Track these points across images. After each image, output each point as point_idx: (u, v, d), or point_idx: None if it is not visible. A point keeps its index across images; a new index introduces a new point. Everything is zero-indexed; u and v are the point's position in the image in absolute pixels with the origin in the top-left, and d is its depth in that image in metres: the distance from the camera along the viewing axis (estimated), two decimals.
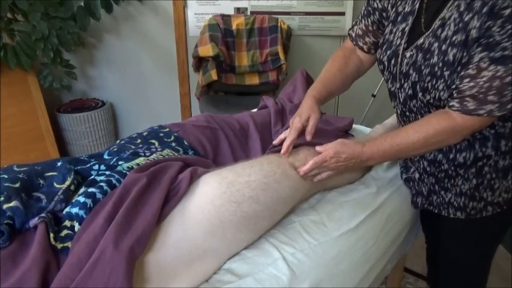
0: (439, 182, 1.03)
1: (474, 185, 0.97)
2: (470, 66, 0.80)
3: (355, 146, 0.95)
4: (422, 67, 0.89)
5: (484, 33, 0.77)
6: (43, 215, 0.76)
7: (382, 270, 1.07)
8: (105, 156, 0.98)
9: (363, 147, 0.94)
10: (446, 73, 0.84)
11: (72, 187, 0.86)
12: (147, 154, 0.99)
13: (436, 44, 0.86)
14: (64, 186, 0.85)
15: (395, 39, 0.97)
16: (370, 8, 1.06)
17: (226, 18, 2.35)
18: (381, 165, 1.23)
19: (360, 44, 1.11)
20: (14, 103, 2.24)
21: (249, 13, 2.46)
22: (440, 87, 0.86)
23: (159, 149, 1.04)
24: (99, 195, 0.82)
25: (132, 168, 0.91)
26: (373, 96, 2.41)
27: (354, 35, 1.13)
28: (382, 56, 1.01)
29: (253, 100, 2.27)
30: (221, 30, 2.30)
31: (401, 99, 0.99)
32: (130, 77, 2.75)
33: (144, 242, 0.74)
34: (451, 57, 0.83)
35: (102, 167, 0.93)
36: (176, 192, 0.84)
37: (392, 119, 1.33)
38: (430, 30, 0.88)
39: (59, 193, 0.83)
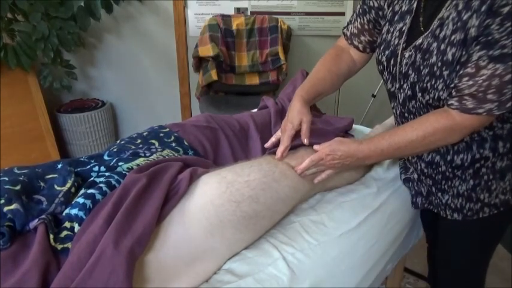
0: (436, 184, 1.03)
1: (471, 186, 0.96)
2: (469, 64, 0.79)
3: (352, 144, 0.95)
4: (421, 67, 0.89)
5: (483, 31, 0.77)
6: (43, 216, 0.76)
7: (382, 270, 1.07)
8: (105, 157, 0.98)
9: (359, 145, 0.94)
10: (445, 73, 0.84)
11: (73, 189, 0.86)
12: (147, 154, 0.99)
13: (434, 44, 0.86)
14: (65, 188, 0.85)
15: (393, 38, 0.96)
16: (365, 7, 1.05)
17: (226, 18, 2.35)
18: (381, 166, 1.23)
19: (355, 43, 1.11)
20: (14, 103, 2.24)
21: (249, 13, 2.46)
22: (440, 87, 0.86)
23: (159, 149, 1.04)
24: (98, 196, 0.82)
25: (132, 168, 0.92)
26: (373, 96, 2.41)
27: (348, 33, 1.12)
28: (380, 56, 1.00)
29: (254, 100, 2.27)
30: (221, 30, 2.31)
31: (400, 100, 0.98)
32: (131, 77, 2.75)
33: (144, 242, 0.74)
34: (450, 56, 0.83)
35: (102, 168, 0.93)
36: (176, 192, 0.84)
37: (392, 119, 1.33)
38: (429, 30, 0.87)
39: (59, 195, 0.83)
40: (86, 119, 2.54)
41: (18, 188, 0.80)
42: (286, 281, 0.82)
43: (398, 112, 1.03)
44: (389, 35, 0.97)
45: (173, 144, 1.09)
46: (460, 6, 0.81)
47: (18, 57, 2.10)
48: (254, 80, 2.45)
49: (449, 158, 0.96)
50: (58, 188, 0.85)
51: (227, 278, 0.82)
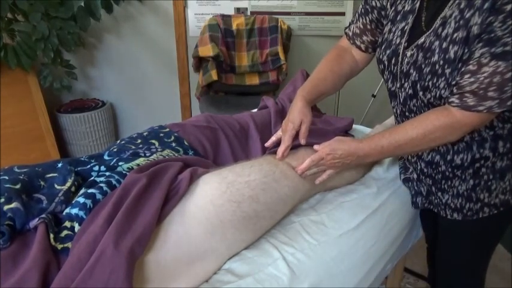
0: (435, 184, 1.03)
1: (471, 186, 0.96)
2: (471, 62, 0.79)
3: (352, 142, 0.95)
4: (423, 66, 0.89)
5: (486, 28, 0.76)
6: (43, 215, 0.77)
7: (382, 270, 1.07)
8: (106, 157, 0.98)
9: (359, 144, 0.94)
10: (447, 71, 0.84)
11: (73, 188, 0.86)
12: (148, 154, 0.99)
13: (437, 43, 0.86)
14: (65, 187, 0.85)
15: (395, 38, 0.96)
16: (368, 7, 1.05)
17: (226, 18, 2.35)
18: (381, 166, 1.23)
19: (357, 42, 1.11)
20: (14, 103, 2.24)
21: (249, 13, 2.46)
22: (441, 86, 0.85)
23: (159, 149, 1.04)
24: (99, 196, 0.82)
25: (132, 168, 0.92)
26: (373, 96, 2.41)
27: (350, 33, 1.12)
28: (381, 56, 1.00)
29: (254, 100, 2.27)
30: (221, 30, 2.30)
31: (401, 99, 0.98)
32: (131, 77, 2.75)
33: (144, 242, 0.74)
34: (452, 54, 0.83)
35: (103, 168, 0.93)
36: (176, 192, 0.84)
37: (392, 119, 1.33)
38: (432, 29, 0.87)
39: (59, 194, 0.83)
40: (86, 119, 2.54)
41: (18, 186, 0.80)
42: (286, 281, 0.82)
43: (398, 111, 1.03)
44: (391, 34, 0.97)
45: (173, 144, 1.09)
46: (463, 5, 0.81)
47: (18, 57, 2.10)
48: (254, 80, 2.45)
49: (449, 157, 0.96)
50: (58, 187, 0.85)
51: (227, 278, 0.82)
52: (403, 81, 0.95)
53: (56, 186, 0.85)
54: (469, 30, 0.79)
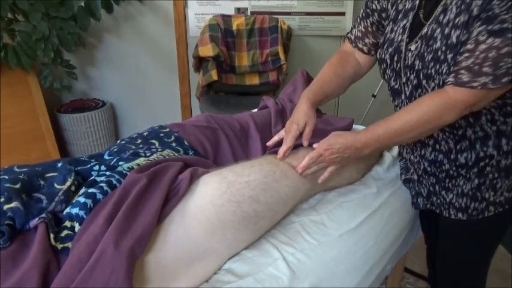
0: (439, 182, 1.03)
1: (476, 185, 0.96)
2: (469, 41, 0.79)
3: (348, 135, 0.95)
4: (425, 54, 0.89)
5: (485, 7, 0.77)
6: (43, 215, 0.77)
7: (382, 271, 1.07)
8: (106, 157, 0.98)
9: (356, 136, 0.94)
10: (449, 56, 0.84)
11: (73, 188, 0.86)
12: (148, 154, 0.99)
13: (438, 30, 0.86)
14: (64, 187, 0.85)
15: (397, 36, 0.97)
16: (368, 10, 1.06)
17: (226, 18, 2.35)
18: (381, 166, 1.23)
19: (360, 45, 1.11)
20: (14, 103, 2.24)
21: (249, 13, 2.46)
22: (444, 71, 0.85)
23: (159, 149, 1.04)
24: (99, 196, 0.82)
25: (133, 168, 0.92)
26: (373, 96, 2.41)
27: (353, 37, 1.13)
28: (383, 55, 1.01)
29: (254, 100, 2.27)
30: (221, 30, 2.30)
31: (407, 93, 0.98)
32: (131, 77, 2.75)
33: (145, 242, 0.74)
34: (454, 39, 0.83)
35: (103, 167, 0.93)
36: (176, 192, 0.84)
37: None
38: (432, 17, 0.88)
39: (59, 194, 0.83)
40: (86, 119, 2.54)
41: (18, 186, 0.80)
42: (286, 281, 0.82)
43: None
44: (393, 33, 0.98)
45: (173, 144, 1.09)
46: None
47: (18, 57, 2.10)
48: (254, 80, 2.45)
49: (452, 156, 0.96)
50: (58, 187, 0.85)
51: (227, 278, 0.82)
52: (408, 75, 0.95)
53: (55, 185, 0.85)
54: (471, 13, 0.79)
